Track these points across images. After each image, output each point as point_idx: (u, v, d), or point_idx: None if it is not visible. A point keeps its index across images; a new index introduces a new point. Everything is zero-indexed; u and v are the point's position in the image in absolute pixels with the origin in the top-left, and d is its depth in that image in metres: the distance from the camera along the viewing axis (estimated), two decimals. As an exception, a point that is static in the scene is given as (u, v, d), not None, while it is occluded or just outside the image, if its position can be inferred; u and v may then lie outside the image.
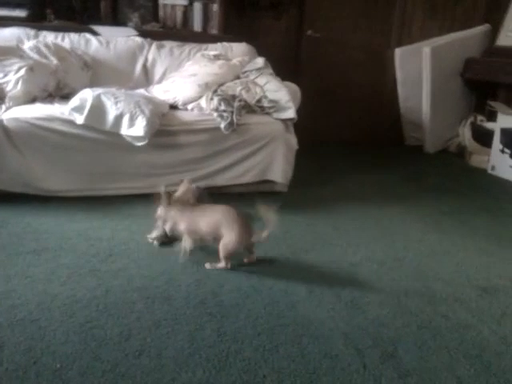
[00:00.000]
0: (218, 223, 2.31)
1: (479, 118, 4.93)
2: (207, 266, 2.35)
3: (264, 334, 1.86)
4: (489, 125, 4.75)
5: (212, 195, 2.74)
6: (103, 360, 1.65)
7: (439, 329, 1.96)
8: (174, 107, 3.42)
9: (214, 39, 4.20)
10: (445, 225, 3.12)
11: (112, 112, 2.95)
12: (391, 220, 3.15)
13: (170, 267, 2.33)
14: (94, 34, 3.92)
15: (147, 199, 3.01)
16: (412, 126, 5.25)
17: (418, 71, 4.91)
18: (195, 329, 1.86)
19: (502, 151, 4.35)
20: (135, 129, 2.94)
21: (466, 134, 4.94)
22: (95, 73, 3.72)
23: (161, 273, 2.27)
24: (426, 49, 4.78)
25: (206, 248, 2.48)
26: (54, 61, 3.39)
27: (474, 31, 5.05)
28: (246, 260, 2.42)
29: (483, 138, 4.72)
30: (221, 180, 3.29)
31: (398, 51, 5.05)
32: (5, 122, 2.90)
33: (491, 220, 3.26)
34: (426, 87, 4.88)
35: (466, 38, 5.00)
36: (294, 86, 3.65)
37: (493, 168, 4.46)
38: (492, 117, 4.75)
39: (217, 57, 3.86)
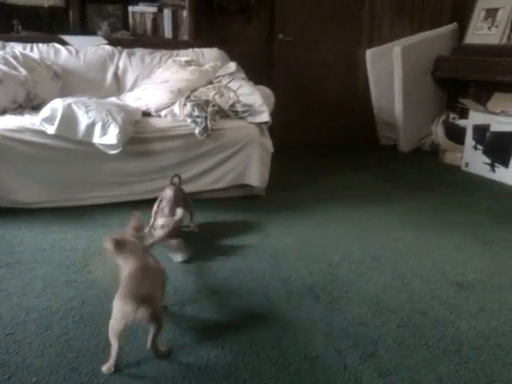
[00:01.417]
0: None
1: (451, 115, 4.99)
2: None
3: (244, 338, 1.85)
4: (461, 122, 4.81)
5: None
6: (81, 371, 1.63)
7: (418, 326, 1.97)
8: (147, 114, 3.40)
9: (185, 45, 4.19)
10: (421, 222, 3.14)
11: (84, 121, 2.92)
12: (368, 220, 3.16)
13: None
14: (63, 43, 3.87)
15: (122, 208, 3.01)
16: (385, 125, 5.29)
17: (390, 71, 4.95)
18: (174, 336, 1.84)
19: (475, 148, 4.41)
20: (108, 137, 2.91)
21: (438, 132, 4.98)
22: (66, 83, 3.68)
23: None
24: (396, 48, 4.83)
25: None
26: (23, 72, 3.35)
27: (442, 30, 5.12)
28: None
29: (456, 135, 4.77)
30: (197, 185, 3.27)
31: (368, 52, 5.09)
32: (-26, 135, 2.85)
33: (466, 216, 3.30)
34: (398, 87, 4.93)
35: (435, 37, 5.06)
36: (267, 90, 3.66)
37: (466, 165, 4.51)
38: (464, 114, 4.82)
39: (188, 63, 3.85)
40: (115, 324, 1.60)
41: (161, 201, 2.73)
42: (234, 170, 3.32)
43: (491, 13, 4.76)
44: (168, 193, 2.71)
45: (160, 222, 2.56)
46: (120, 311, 1.59)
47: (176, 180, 2.87)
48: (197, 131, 3.15)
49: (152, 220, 2.70)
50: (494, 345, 1.86)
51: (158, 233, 2.49)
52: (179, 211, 2.51)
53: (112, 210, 3.07)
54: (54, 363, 1.66)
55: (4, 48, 3.62)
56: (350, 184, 3.99)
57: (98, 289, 2.15)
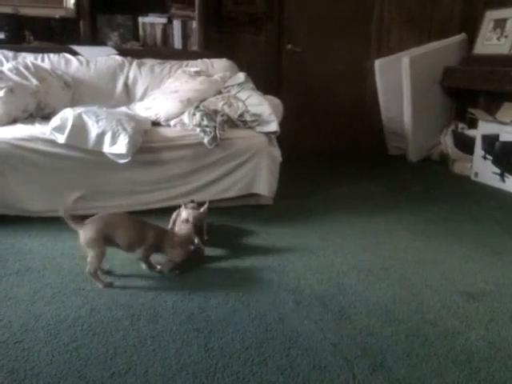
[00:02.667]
0: None
1: (460, 125, 4.98)
2: None
3: (252, 347, 1.84)
4: (470, 132, 4.80)
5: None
6: (89, 379, 1.63)
7: (428, 336, 1.96)
8: (156, 124, 3.41)
9: (195, 56, 4.21)
10: (430, 233, 3.13)
11: (94, 130, 2.94)
12: (377, 229, 3.15)
13: (156, 283, 2.32)
14: (74, 53, 3.91)
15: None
16: (394, 135, 5.28)
17: (398, 81, 4.95)
18: (182, 345, 1.84)
19: (484, 158, 4.40)
20: (117, 146, 2.92)
21: (447, 141, 4.98)
22: (76, 92, 3.71)
23: (146, 289, 2.25)
24: (404, 59, 4.82)
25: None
26: (34, 81, 3.37)
27: (450, 40, 5.11)
28: None
29: (465, 145, 4.76)
30: (206, 195, 3.28)
31: (377, 62, 5.09)
32: (-15, 144, 2.87)
33: (476, 226, 3.28)
34: (407, 97, 4.92)
35: (444, 48, 5.05)
36: (275, 100, 3.67)
37: (476, 175, 4.50)
38: (473, 124, 4.80)
39: (198, 73, 3.87)
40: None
41: (179, 212, 2.76)
42: (243, 180, 3.33)
43: (500, 23, 4.76)
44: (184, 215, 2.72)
45: (184, 215, 2.64)
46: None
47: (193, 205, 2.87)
48: (206, 140, 3.16)
49: (170, 226, 2.74)
50: (504, 355, 1.84)
51: (181, 227, 2.59)
52: (205, 206, 2.71)
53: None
54: (63, 371, 1.67)
55: (16, 58, 3.66)
56: (359, 194, 3.98)
57: (107, 296, 2.16)
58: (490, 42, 4.81)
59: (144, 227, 2.36)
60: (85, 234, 2.23)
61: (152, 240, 2.34)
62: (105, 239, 2.24)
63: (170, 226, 2.75)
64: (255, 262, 2.59)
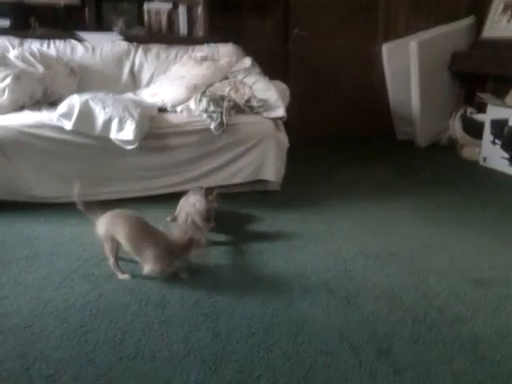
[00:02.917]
0: None
1: (469, 109, 4.93)
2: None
3: (259, 333, 1.85)
4: (479, 116, 4.76)
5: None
6: (97, 364, 1.65)
7: (434, 323, 1.96)
8: (162, 110, 3.41)
9: (200, 41, 4.18)
10: (439, 218, 3.11)
11: (101, 117, 2.94)
12: (385, 215, 3.14)
13: (164, 270, 2.32)
14: (80, 40, 3.90)
15: (139, 202, 3.02)
16: (402, 120, 5.24)
17: (406, 66, 4.89)
18: (189, 330, 1.85)
19: (493, 142, 4.36)
20: (124, 132, 2.93)
21: (456, 126, 4.94)
22: (82, 79, 3.71)
23: (155, 275, 2.26)
24: (412, 43, 4.76)
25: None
26: (40, 68, 3.38)
27: (459, 24, 5.05)
28: None
29: (474, 129, 4.72)
30: (213, 181, 3.28)
31: (385, 46, 5.05)
32: (-7, 131, 2.88)
33: (484, 212, 3.26)
34: (415, 81, 4.87)
35: (452, 31, 4.99)
36: (282, 85, 3.65)
37: (484, 159, 4.46)
38: (481, 108, 4.76)
39: (204, 58, 3.86)
40: None
41: (187, 197, 2.76)
42: (250, 165, 3.32)
43: (510, 6, 4.69)
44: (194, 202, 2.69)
45: (191, 200, 2.66)
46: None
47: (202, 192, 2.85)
48: (212, 126, 3.15)
49: (177, 213, 2.75)
50: (511, 343, 1.84)
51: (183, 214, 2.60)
52: (214, 194, 2.70)
53: (128, 204, 3.06)
54: (71, 356, 1.69)
55: (22, 45, 3.65)
56: (367, 179, 3.96)
57: (115, 282, 2.18)
58: (499, 26, 4.74)
59: (149, 235, 2.23)
60: (98, 228, 2.23)
61: (157, 251, 2.18)
62: (111, 238, 2.22)
63: (176, 213, 2.75)
64: (262, 248, 2.59)
